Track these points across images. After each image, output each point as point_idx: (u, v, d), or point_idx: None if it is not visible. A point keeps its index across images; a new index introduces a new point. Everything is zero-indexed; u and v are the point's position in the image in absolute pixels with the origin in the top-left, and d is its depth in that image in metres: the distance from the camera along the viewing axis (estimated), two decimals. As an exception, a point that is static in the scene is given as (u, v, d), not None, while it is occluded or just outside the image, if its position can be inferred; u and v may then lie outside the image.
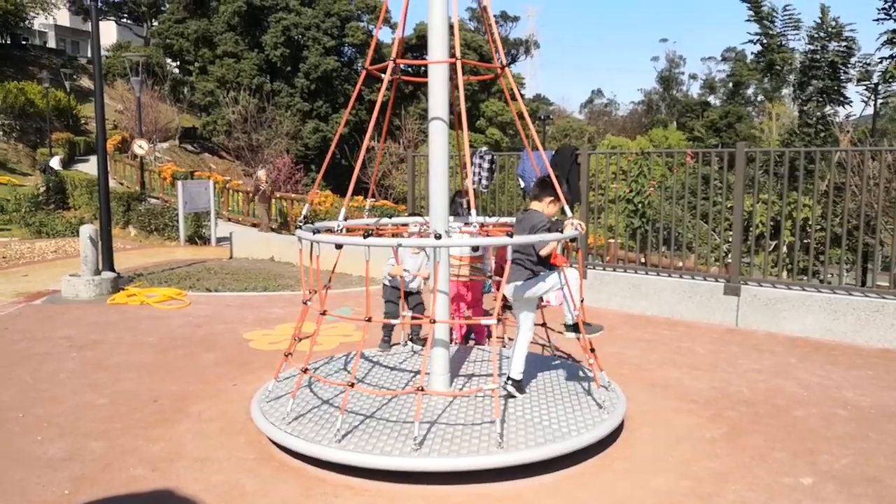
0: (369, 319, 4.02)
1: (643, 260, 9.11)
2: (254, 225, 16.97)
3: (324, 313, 4.31)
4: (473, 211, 3.93)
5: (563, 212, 4.66)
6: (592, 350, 4.69)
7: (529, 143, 5.24)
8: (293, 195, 17.21)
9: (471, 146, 9.79)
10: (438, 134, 4.50)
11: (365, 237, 3.82)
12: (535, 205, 4.52)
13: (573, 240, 4.45)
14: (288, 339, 6.19)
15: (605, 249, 9.38)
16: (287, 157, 25.58)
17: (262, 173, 16.10)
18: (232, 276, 11.34)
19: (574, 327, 4.42)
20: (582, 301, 4.68)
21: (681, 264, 8.62)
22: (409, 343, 5.96)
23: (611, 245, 9.66)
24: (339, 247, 4.00)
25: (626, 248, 9.20)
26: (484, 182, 9.40)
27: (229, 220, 17.87)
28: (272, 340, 6.65)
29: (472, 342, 6.31)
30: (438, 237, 3.79)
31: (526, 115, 4.47)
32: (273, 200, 15.45)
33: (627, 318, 7.95)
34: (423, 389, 3.89)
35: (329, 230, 4.48)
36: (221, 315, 7.98)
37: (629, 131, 56.42)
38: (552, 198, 4.50)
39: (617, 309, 8.31)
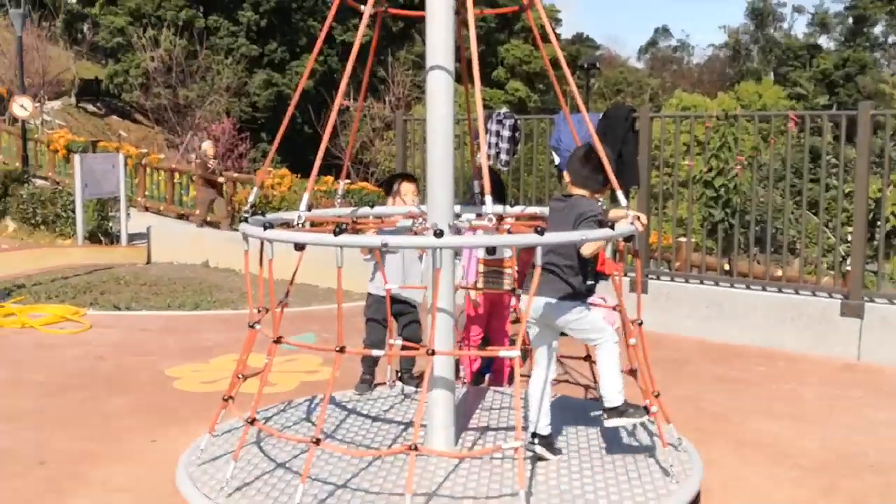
0: (342, 349, 4.01)
1: (727, 267, 9.15)
2: (182, 216, 17.03)
3: (278, 341, 4.29)
4: (488, 198, 3.92)
5: (612, 199, 4.66)
6: (657, 395, 4.69)
7: (567, 103, 5.26)
8: (236, 175, 17.27)
9: (485, 107, 9.83)
10: (440, 89, 4.49)
11: (336, 234, 3.81)
12: (578, 189, 4.53)
13: (628, 239, 4.44)
14: (228, 376, 6.18)
15: (674, 252, 9.41)
16: (227, 122, 25.70)
17: (208, 146, 16.13)
18: (150, 288, 11.36)
19: (616, 411, 4.44)
20: (640, 324, 4.69)
21: (780, 273, 8.65)
22: (399, 383, 5.95)
23: (682, 246, 9.70)
24: (300, 248, 4.01)
25: (704, 251, 9.21)
26: (503, 157, 9.45)
27: (147, 209, 17.93)
28: (206, 379, 6.68)
29: (486, 380, 6.30)
30: (439, 234, 3.79)
31: (563, 62, 4.47)
32: (224, 186, 15.47)
33: (705, 348, 7.95)
34: (416, 448, 3.88)
35: (286, 224, 4.48)
36: (135, 343, 7.99)
37: (707, 86, 56.45)
38: (597, 180, 4.49)
39: (690, 335, 8.30)
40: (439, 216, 4.53)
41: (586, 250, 4.32)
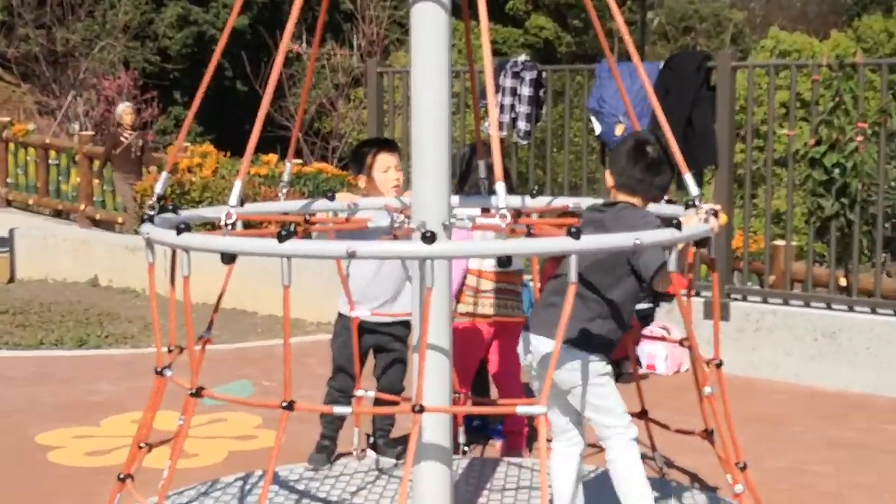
0: (290, 405, 4.00)
1: (844, 282, 9.16)
2: (60, 213, 16.98)
3: (198, 394, 4.27)
4: (500, 185, 3.89)
5: (679, 187, 4.65)
6: (742, 467, 4.71)
7: (612, 47, 5.21)
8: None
9: (497, 53, 9.81)
10: (429, 27, 4.48)
11: (282, 238, 3.80)
12: (624, 196, 4.55)
13: (700, 244, 4.47)
14: (125, 445, 6.15)
15: (767, 261, 9.38)
16: (126, 76, 25.74)
17: (124, 110, 16.04)
18: (14, 318, 11.38)
19: None
20: (719, 365, 4.71)
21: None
22: (371, 452, 5.96)
23: (779, 252, 9.62)
24: (229, 259, 4.02)
25: (811, 259, 9.21)
26: (522, 125, 9.49)
27: (9, 203, 17.97)
28: (94, 448, 6.68)
29: (496, 445, 6.27)
30: (430, 238, 3.76)
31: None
32: (148, 166, 15.44)
33: (813, 398, 7.99)
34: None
35: (210, 225, 4.47)
36: (-8, 397, 7.95)
37: (815, 22, 56.74)
38: (654, 184, 4.53)
39: (792, 380, 8.35)
40: (429, 211, 4.51)
41: (661, 285, 4.36)
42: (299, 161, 16.60)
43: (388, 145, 6.09)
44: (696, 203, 4.54)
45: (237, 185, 4.29)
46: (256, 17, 35.59)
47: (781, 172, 16.41)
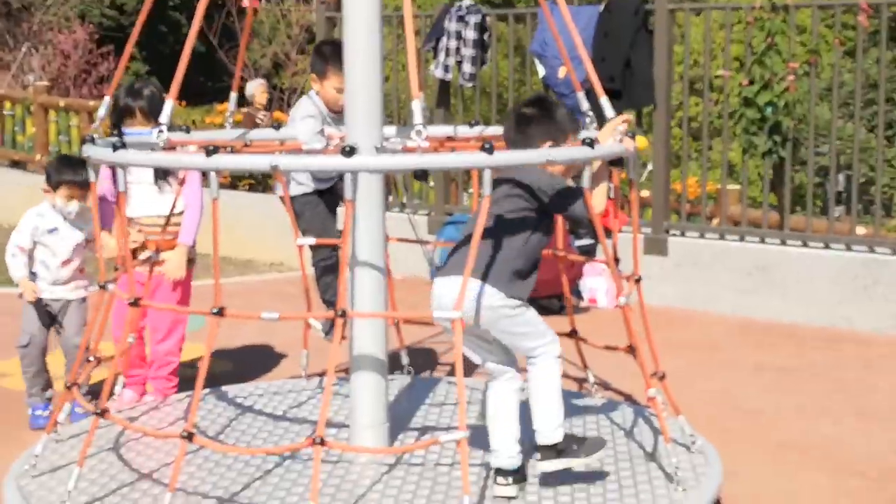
0: (220, 312, 4.19)
1: (777, 220, 9.30)
2: (17, 164, 16.88)
3: (136, 303, 4.48)
4: (416, 102, 4.08)
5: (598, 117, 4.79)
6: (661, 377, 4.88)
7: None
8: (93, 103, 17.14)
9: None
10: None
11: (209, 153, 4.00)
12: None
13: (615, 163, 4.60)
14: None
15: (715, 203, 9.49)
16: (81, 31, 25.38)
17: (256, 88, 15.12)
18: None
19: (553, 450, 4.49)
20: (638, 280, 4.89)
21: (849, 228, 8.85)
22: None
23: (726, 196, 9.62)
24: (162, 174, 4.13)
25: (744, 197, 9.42)
26: (467, 68, 9.57)
27: None
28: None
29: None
30: (349, 152, 3.94)
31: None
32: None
33: (746, 328, 8.18)
34: (323, 443, 4.04)
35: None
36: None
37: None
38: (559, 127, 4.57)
39: (727, 312, 8.52)
40: (361, 135, 4.64)
41: (597, 200, 4.44)
42: (262, 111, 16.51)
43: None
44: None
45: (168, 104, 4.49)
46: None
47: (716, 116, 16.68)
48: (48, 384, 6.03)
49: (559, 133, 4.52)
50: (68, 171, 5.73)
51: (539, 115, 4.55)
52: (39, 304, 5.87)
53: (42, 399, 5.98)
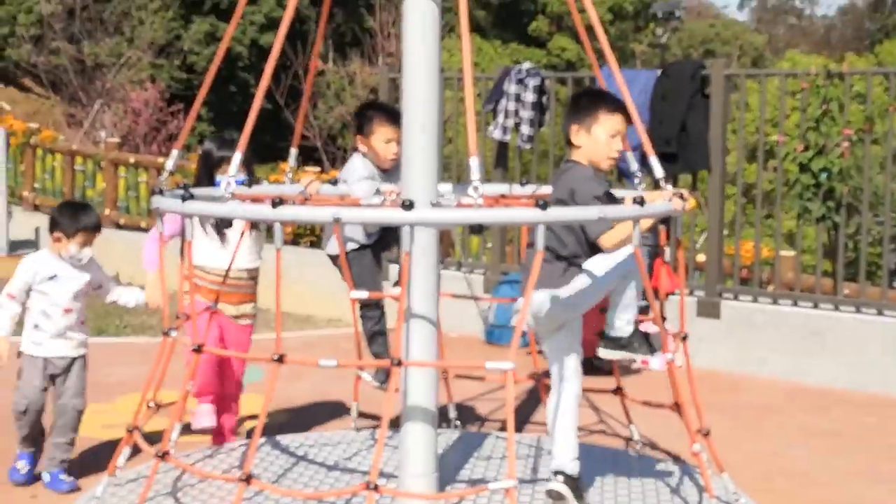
0: (281, 359, 4.29)
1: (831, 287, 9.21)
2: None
3: (199, 350, 4.61)
4: (474, 159, 4.19)
5: (656, 186, 4.90)
6: (705, 434, 4.92)
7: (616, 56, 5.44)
8: (161, 160, 17.42)
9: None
10: (418, 19, 4.76)
11: (274, 205, 4.11)
12: (572, 150, 4.86)
13: (665, 222, 4.71)
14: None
15: (773, 269, 9.52)
16: (152, 90, 25.62)
17: (310, 186, 15.09)
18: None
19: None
20: (685, 338, 4.97)
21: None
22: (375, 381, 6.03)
23: (784, 262, 9.74)
24: (224, 224, 4.27)
25: (799, 262, 9.41)
26: (526, 130, 9.65)
27: (36, 207, 17.87)
28: (109, 422, 6.94)
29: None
30: (408, 206, 4.06)
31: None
32: None
33: (796, 390, 8.20)
34: (376, 488, 4.14)
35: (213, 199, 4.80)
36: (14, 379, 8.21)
37: (837, 46, 55.84)
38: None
39: (778, 376, 8.54)
40: (417, 190, 4.73)
41: (607, 241, 4.55)
42: (318, 169, 16.79)
43: (393, 117, 5.87)
44: (663, 185, 4.75)
45: (236, 156, 4.61)
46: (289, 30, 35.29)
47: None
48: (39, 440, 5.82)
49: (584, 115, 4.78)
50: (84, 218, 5.68)
51: (567, 109, 4.85)
52: (40, 366, 5.66)
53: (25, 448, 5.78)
